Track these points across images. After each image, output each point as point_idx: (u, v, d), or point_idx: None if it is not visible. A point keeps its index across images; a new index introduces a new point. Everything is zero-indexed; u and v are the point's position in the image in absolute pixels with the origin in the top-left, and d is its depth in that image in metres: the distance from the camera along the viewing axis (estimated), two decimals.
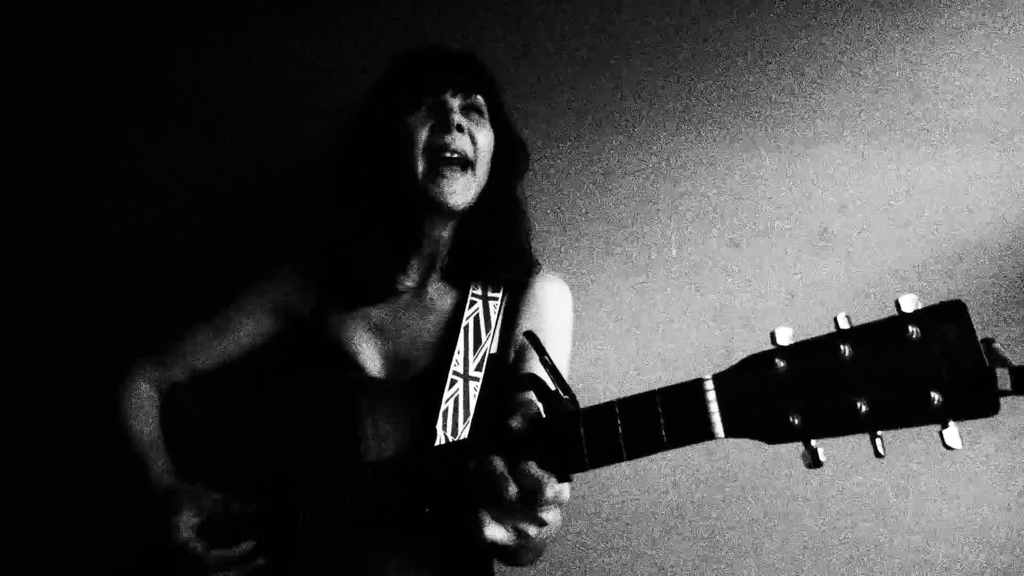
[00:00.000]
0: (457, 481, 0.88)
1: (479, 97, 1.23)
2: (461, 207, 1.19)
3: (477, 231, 1.25)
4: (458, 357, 1.18)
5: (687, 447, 0.77)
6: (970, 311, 0.66)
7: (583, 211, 1.54)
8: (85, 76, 1.80)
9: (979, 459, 1.32)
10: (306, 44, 1.72)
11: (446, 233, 1.26)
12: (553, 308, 1.26)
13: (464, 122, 1.18)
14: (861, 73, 1.42)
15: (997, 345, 0.67)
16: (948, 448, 0.67)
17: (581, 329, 1.47)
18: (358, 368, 1.22)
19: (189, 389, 1.34)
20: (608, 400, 0.81)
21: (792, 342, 0.73)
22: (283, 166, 1.71)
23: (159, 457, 1.21)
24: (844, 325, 0.72)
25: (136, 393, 1.29)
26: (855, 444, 1.28)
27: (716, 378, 0.75)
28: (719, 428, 0.74)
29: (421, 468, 0.93)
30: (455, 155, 1.17)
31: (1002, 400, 0.63)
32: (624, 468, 1.35)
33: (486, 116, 1.24)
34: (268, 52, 1.73)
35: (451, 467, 0.89)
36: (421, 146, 1.18)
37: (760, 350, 0.75)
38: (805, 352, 0.72)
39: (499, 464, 0.82)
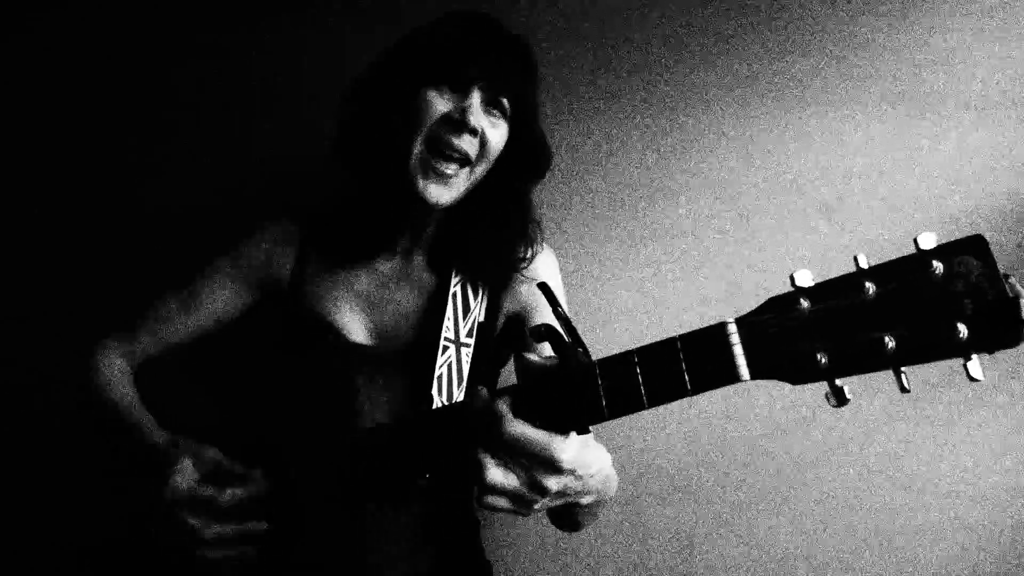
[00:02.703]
0: (459, 429, 0.85)
1: (505, 100, 1.13)
2: (442, 205, 1.12)
3: (465, 227, 1.20)
4: (448, 324, 1.16)
5: (710, 393, 0.77)
6: None
7: (593, 188, 1.53)
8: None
9: (985, 422, 1.36)
10: None
11: (433, 220, 1.22)
12: (544, 274, 1.25)
13: (482, 122, 1.09)
14: (864, 49, 1.45)
15: (1014, 280, 0.68)
16: (972, 379, 0.68)
17: (592, 305, 1.47)
18: (338, 336, 1.18)
19: (164, 363, 1.28)
20: (625, 350, 0.80)
21: (814, 283, 0.73)
22: (252, 127, 1.65)
23: (146, 419, 1.15)
24: (864, 265, 0.72)
25: (109, 365, 1.23)
26: (867, 407, 1.31)
27: (739, 321, 0.75)
28: (744, 370, 0.73)
29: (424, 424, 0.91)
30: (455, 154, 1.10)
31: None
32: (638, 428, 1.33)
33: (508, 114, 1.14)
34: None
35: (455, 417, 0.87)
36: (426, 129, 1.08)
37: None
38: (829, 291, 0.72)
39: (501, 404, 0.80)
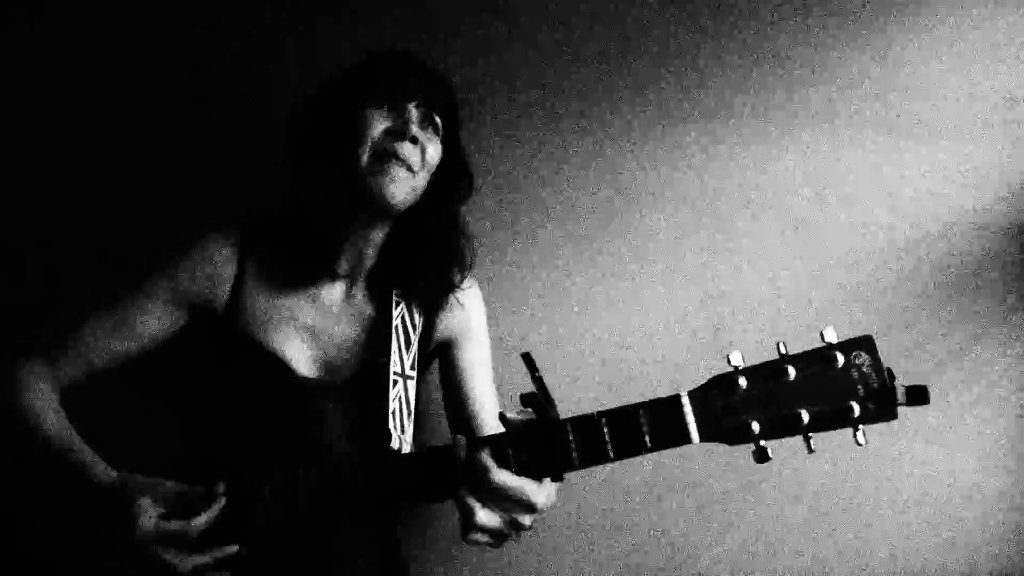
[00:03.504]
0: (448, 473, 0.97)
1: (438, 117, 1.22)
2: (398, 205, 1.19)
3: (403, 248, 1.27)
4: (395, 357, 1.24)
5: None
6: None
7: (571, 201, 1.57)
8: None
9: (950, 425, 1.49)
10: None
11: (379, 234, 1.26)
12: (476, 313, 1.37)
13: (420, 135, 1.18)
14: (840, 70, 1.52)
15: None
16: (858, 444, 0.90)
17: (573, 315, 1.54)
18: (286, 368, 1.23)
19: (88, 388, 1.25)
20: (592, 411, 0.95)
21: (749, 364, 0.92)
22: (189, 131, 1.58)
23: (88, 455, 1.12)
24: (783, 351, 0.92)
25: (37, 392, 1.16)
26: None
27: (691, 394, 0.93)
28: (695, 435, 0.92)
29: (414, 464, 1.02)
30: (400, 161, 1.17)
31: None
32: None
33: (439, 132, 1.23)
34: None
35: (442, 460, 0.98)
36: (372, 142, 1.17)
37: (723, 361, 0.92)
38: (761, 373, 0.92)
39: (486, 456, 0.94)
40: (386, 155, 1.16)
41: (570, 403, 1.04)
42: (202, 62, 1.62)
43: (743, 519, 1.51)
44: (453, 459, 0.96)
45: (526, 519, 0.95)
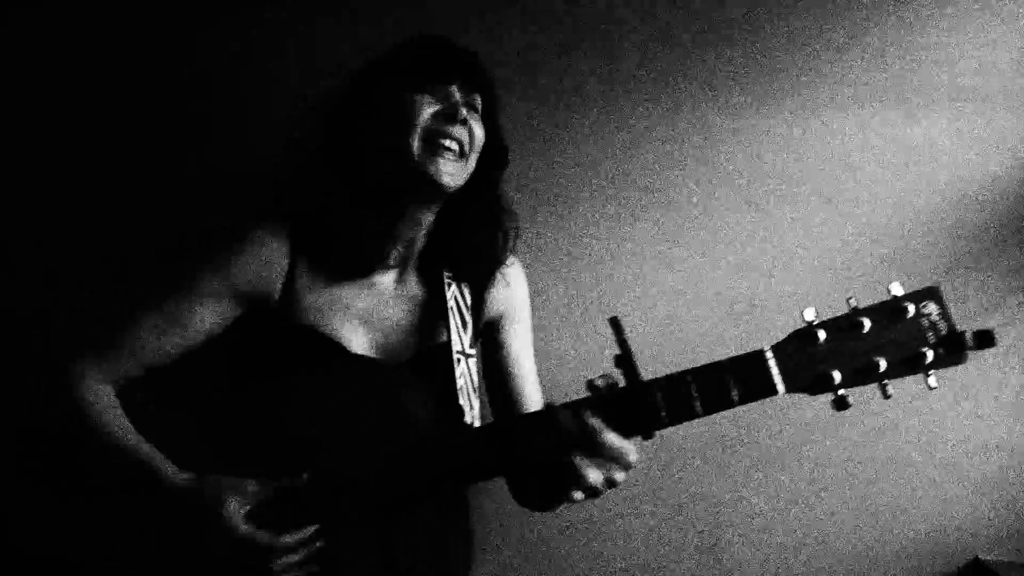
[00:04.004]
0: (548, 438, 1.01)
1: (478, 97, 1.26)
2: (452, 188, 1.21)
3: (454, 222, 1.30)
4: (455, 336, 1.27)
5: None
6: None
7: (610, 176, 1.60)
8: None
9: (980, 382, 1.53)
10: None
11: (429, 217, 1.28)
12: (521, 290, 1.40)
13: (468, 116, 1.21)
14: (861, 44, 1.55)
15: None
16: (930, 388, 0.97)
17: (611, 293, 1.58)
18: (343, 350, 1.24)
19: (144, 384, 1.24)
20: (680, 370, 1.00)
21: (825, 318, 0.98)
22: (232, 129, 1.58)
23: (156, 453, 1.11)
24: (855, 306, 0.99)
25: (97, 393, 1.14)
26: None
27: (773, 348, 0.98)
28: (781, 387, 0.97)
29: (516, 431, 1.05)
30: (454, 142, 1.20)
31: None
32: None
33: (480, 112, 1.26)
34: None
35: (543, 426, 1.02)
36: (421, 127, 1.18)
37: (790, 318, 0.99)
38: (838, 326, 0.97)
39: (594, 419, 0.98)
40: (437, 140, 1.19)
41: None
42: (202, 62, 1.62)
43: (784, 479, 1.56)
44: (554, 423, 1.00)
45: (620, 476, 1.00)
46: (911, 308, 0.96)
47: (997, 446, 1.52)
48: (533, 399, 1.36)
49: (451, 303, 1.29)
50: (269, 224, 1.26)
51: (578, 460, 0.98)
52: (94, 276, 1.56)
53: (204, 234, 1.32)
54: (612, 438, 0.97)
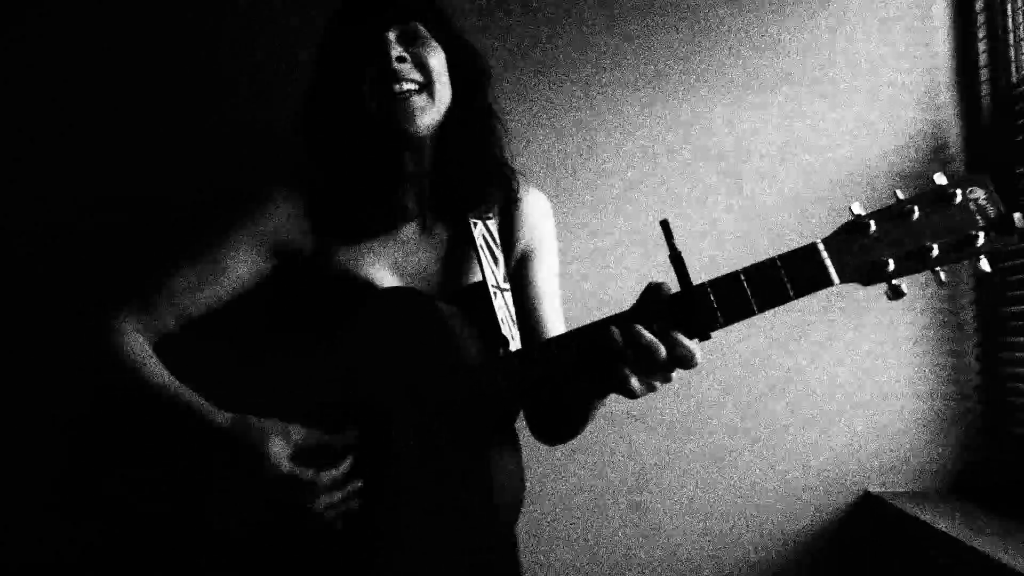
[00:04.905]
0: (606, 352, 1.00)
1: (418, 24, 1.21)
2: (424, 131, 1.19)
3: (455, 150, 1.26)
4: (488, 272, 1.25)
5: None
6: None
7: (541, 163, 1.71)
8: None
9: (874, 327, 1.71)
10: None
11: (427, 160, 1.26)
12: (547, 222, 1.38)
13: (407, 51, 1.18)
14: (779, 40, 1.74)
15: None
16: (984, 272, 0.97)
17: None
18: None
19: (181, 337, 1.23)
20: (731, 271, 1.00)
21: (875, 209, 0.98)
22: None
23: (195, 399, 1.09)
24: (902, 196, 0.99)
25: (135, 342, 1.13)
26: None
27: (825, 240, 0.98)
28: (835, 277, 0.97)
29: (573, 346, 1.03)
30: (405, 84, 1.18)
31: None
32: None
33: (431, 36, 1.22)
34: None
35: (598, 341, 1.01)
36: (368, 85, 1.18)
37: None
38: (889, 215, 0.98)
39: (645, 332, 0.97)
40: (389, 90, 1.17)
41: None
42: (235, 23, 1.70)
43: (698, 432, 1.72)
44: (607, 337, 0.99)
45: (676, 374, 1.00)
46: (958, 194, 0.97)
47: (882, 390, 1.69)
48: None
49: (480, 242, 1.28)
50: (287, 184, 1.27)
51: (627, 374, 0.97)
52: (127, 235, 1.62)
53: (231, 192, 1.33)
54: (682, 339, 0.96)
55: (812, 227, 1.56)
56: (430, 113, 1.20)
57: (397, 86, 1.17)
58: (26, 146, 1.68)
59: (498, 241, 1.31)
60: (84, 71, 1.70)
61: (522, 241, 1.36)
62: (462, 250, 1.31)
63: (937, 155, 1.69)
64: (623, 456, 1.69)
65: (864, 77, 1.71)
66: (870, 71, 1.71)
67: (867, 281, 0.98)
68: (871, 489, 1.67)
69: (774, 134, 1.72)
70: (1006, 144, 1.62)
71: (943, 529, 1.40)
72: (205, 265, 1.21)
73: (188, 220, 1.39)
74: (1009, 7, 1.62)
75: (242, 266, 1.22)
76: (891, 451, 1.68)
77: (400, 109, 1.17)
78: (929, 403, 1.69)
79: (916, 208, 0.97)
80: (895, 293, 0.98)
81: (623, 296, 1.58)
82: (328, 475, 1.05)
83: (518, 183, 1.34)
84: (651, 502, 1.69)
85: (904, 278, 0.98)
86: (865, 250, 0.97)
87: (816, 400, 1.70)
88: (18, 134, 1.68)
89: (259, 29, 1.70)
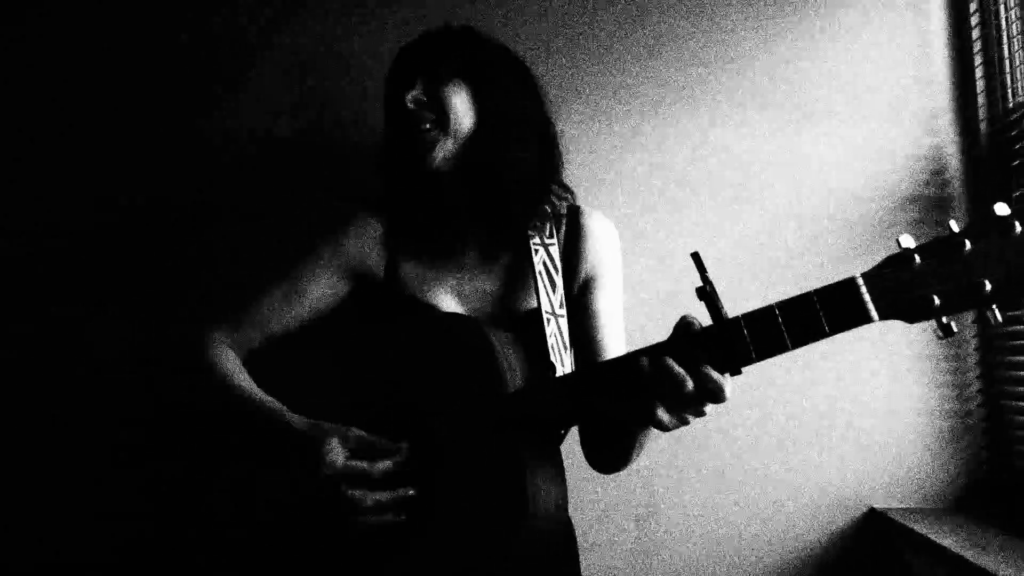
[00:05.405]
0: (634, 382, 1.00)
1: (440, 68, 1.30)
2: (438, 163, 1.29)
3: (486, 176, 1.31)
4: (543, 298, 1.29)
5: None
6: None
7: None
8: None
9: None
10: None
11: (463, 191, 1.32)
12: (611, 248, 1.39)
13: (426, 94, 1.29)
14: (756, 63, 1.82)
15: None
16: None
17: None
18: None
19: (265, 354, 1.35)
20: (765, 305, 0.98)
21: (921, 243, 0.93)
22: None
23: (277, 406, 1.21)
24: (956, 229, 0.93)
25: (226, 356, 1.29)
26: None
27: (864, 275, 0.94)
28: (874, 314, 0.93)
29: (604, 376, 1.05)
30: (421, 124, 1.29)
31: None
32: None
33: (454, 76, 1.30)
34: None
35: (628, 372, 1.02)
36: (394, 129, 1.34)
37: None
38: (937, 248, 0.92)
39: (675, 364, 0.97)
40: (408, 134, 1.30)
41: None
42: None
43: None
44: (636, 369, 1.00)
45: (708, 408, 0.99)
46: (1018, 226, 0.90)
47: (886, 407, 1.73)
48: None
49: (539, 267, 1.32)
50: (366, 210, 1.39)
51: (655, 405, 0.97)
52: (127, 235, 1.80)
53: (318, 217, 1.47)
54: (715, 375, 0.96)
55: (820, 246, 1.74)
56: (442, 146, 1.29)
57: (414, 128, 1.28)
58: (26, 146, 1.83)
59: (559, 267, 1.34)
60: (84, 71, 1.84)
61: (585, 266, 1.38)
62: (522, 275, 1.35)
63: (936, 177, 1.75)
64: (630, 472, 1.66)
65: (868, 101, 1.78)
66: (874, 96, 1.78)
67: (911, 319, 0.93)
68: (876, 505, 1.70)
69: (782, 156, 1.78)
70: (1002, 168, 1.69)
71: (946, 545, 1.41)
72: (290, 289, 1.34)
73: (281, 243, 1.51)
74: (1004, 35, 1.71)
75: (323, 288, 1.36)
76: (896, 468, 1.71)
77: (414, 146, 1.29)
78: (932, 420, 1.72)
79: (968, 240, 0.91)
80: (945, 332, 0.92)
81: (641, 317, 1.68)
82: (382, 465, 1.12)
83: (570, 202, 1.38)
84: (658, 517, 1.74)
85: (953, 315, 0.92)
86: (909, 285, 0.93)
87: (821, 417, 1.73)
88: (18, 134, 1.83)
89: (259, 28, 1.85)
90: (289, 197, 1.75)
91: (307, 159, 1.80)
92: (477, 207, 1.32)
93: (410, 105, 1.28)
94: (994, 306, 0.91)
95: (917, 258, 0.92)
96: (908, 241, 0.94)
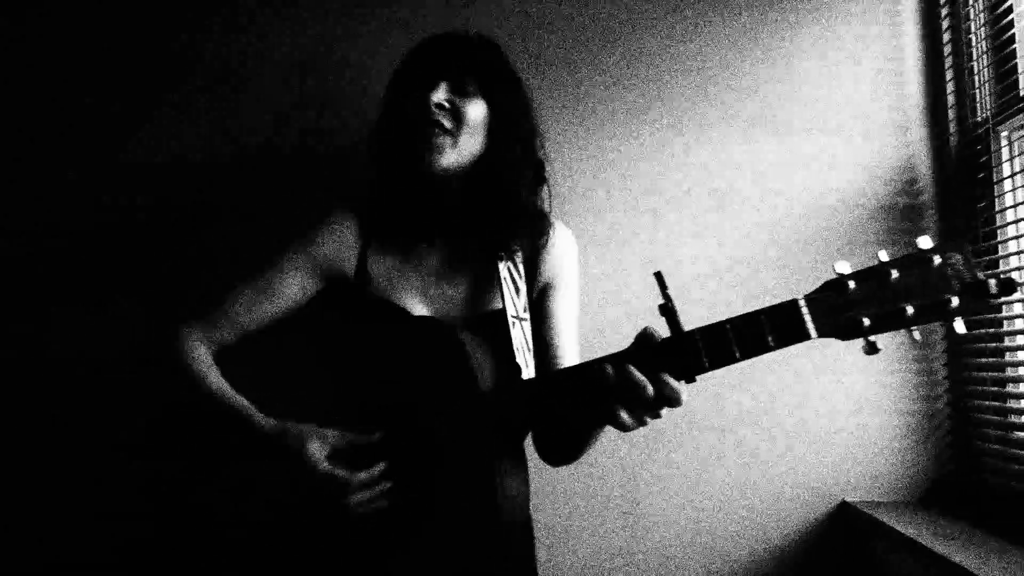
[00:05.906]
0: (599, 387, 1.10)
1: (468, 79, 1.33)
2: (437, 168, 1.31)
3: (482, 197, 1.36)
4: (509, 303, 1.36)
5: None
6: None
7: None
8: None
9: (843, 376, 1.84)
10: None
11: (451, 200, 1.37)
12: (570, 258, 1.48)
13: (449, 99, 1.31)
14: (740, 75, 1.89)
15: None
16: (958, 333, 1.03)
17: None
18: (411, 317, 1.36)
19: (236, 350, 1.39)
20: (718, 321, 1.09)
21: (855, 270, 1.06)
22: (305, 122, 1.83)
23: (247, 406, 1.25)
24: (884, 259, 1.06)
25: (198, 354, 1.31)
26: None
27: (807, 297, 1.06)
28: (813, 332, 1.05)
29: (571, 380, 1.15)
30: (435, 126, 1.30)
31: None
32: None
33: (477, 92, 1.34)
34: None
35: (594, 377, 1.12)
36: (409, 116, 1.32)
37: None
38: (868, 276, 1.05)
39: (636, 371, 1.07)
40: (419, 127, 1.31)
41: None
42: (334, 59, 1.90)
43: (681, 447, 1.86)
44: (600, 375, 1.10)
45: (664, 412, 1.10)
46: (936, 259, 1.03)
47: (858, 408, 1.83)
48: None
49: (504, 274, 1.39)
50: (342, 209, 1.43)
51: (618, 408, 1.07)
52: (127, 235, 1.83)
53: (291, 217, 1.49)
54: (670, 380, 1.06)
55: (792, 256, 1.83)
56: (448, 155, 1.32)
57: (428, 125, 1.30)
58: (26, 146, 1.85)
59: (522, 273, 1.42)
60: (84, 71, 1.87)
61: (545, 274, 1.46)
62: (488, 281, 1.43)
63: (908, 187, 1.84)
64: (615, 465, 1.83)
65: (842, 115, 1.87)
66: (849, 110, 1.87)
67: (844, 337, 1.06)
68: (848, 499, 1.80)
69: (759, 168, 1.87)
70: (970, 179, 1.79)
71: (912, 536, 1.50)
72: (261, 286, 1.38)
73: (254, 243, 1.55)
74: (974, 51, 1.79)
75: (295, 287, 1.39)
76: (867, 465, 1.81)
77: (420, 142, 1.31)
78: (902, 419, 1.81)
79: (895, 271, 1.04)
80: (871, 348, 1.05)
81: (607, 324, 1.78)
82: (363, 475, 1.19)
83: (549, 229, 1.45)
84: (641, 509, 1.82)
85: (880, 335, 1.05)
86: (843, 308, 1.05)
87: (798, 414, 1.83)
88: (18, 134, 1.85)
89: (259, 29, 1.88)
90: (289, 197, 1.78)
91: (307, 159, 1.84)
92: (471, 223, 1.38)
93: (434, 108, 1.29)
94: (914, 328, 1.04)
95: (852, 284, 1.05)
96: (844, 267, 1.07)
